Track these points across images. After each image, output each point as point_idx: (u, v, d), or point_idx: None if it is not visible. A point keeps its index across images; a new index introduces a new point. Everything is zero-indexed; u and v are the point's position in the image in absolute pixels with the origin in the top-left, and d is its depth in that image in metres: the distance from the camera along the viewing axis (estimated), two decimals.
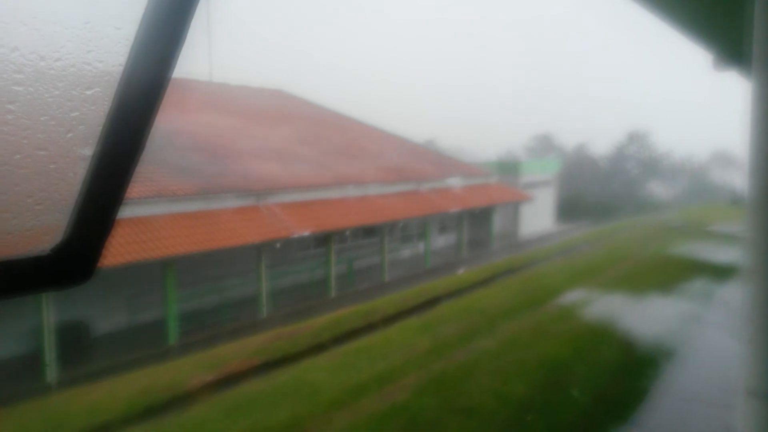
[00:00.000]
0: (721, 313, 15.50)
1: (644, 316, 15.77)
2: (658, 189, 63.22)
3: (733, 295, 16.88)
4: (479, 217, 32.01)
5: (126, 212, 15.25)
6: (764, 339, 1.52)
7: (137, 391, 11.32)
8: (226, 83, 30.55)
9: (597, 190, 54.29)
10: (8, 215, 0.73)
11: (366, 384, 11.03)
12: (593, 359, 12.27)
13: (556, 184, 43.49)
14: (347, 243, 25.28)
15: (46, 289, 0.77)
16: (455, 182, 30.46)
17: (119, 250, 14.49)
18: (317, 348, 13.67)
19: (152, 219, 16.43)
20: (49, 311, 14.16)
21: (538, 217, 39.07)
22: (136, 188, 15.81)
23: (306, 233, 20.08)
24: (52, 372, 13.91)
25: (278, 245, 19.70)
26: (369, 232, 26.02)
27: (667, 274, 20.88)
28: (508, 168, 38.01)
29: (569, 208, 45.21)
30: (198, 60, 29.14)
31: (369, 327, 15.39)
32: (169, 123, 19.62)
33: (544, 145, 67.20)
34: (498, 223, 34.40)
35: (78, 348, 14.98)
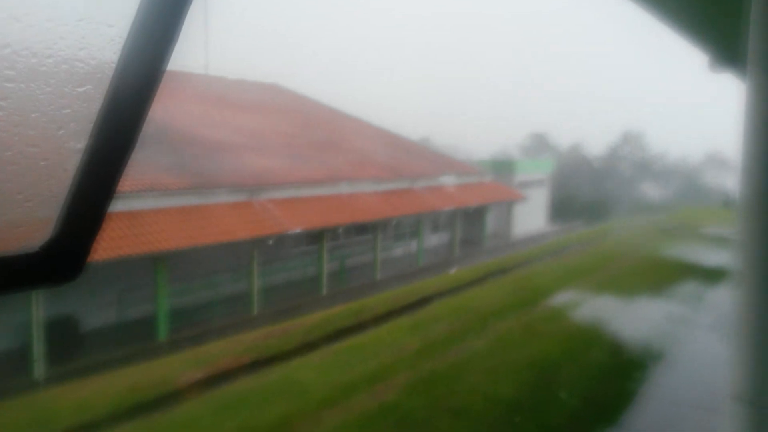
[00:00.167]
0: (710, 316, 15.59)
1: (634, 318, 15.84)
2: (652, 190, 63.48)
3: (723, 298, 16.99)
4: (472, 216, 32.05)
5: (117, 206, 15.18)
6: (753, 344, 1.52)
7: (126, 388, 11.27)
8: (223, 77, 30.43)
9: (590, 191, 54.47)
10: None
11: (356, 383, 11.04)
12: (583, 360, 12.33)
13: (549, 184, 43.59)
14: (340, 240, 25.25)
15: (34, 287, 0.76)
16: (449, 180, 30.48)
17: (110, 244, 14.42)
18: (308, 346, 13.66)
19: (143, 213, 16.36)
20: (38, 306, 14.06)
21: (532, 217, 39.15)
22: (127, 182, 15.73)
23: (298, 230, 20.05)
24: (40, 368, 13.81)
25: (270, 242, 19.65)
26: (362, 229, 26.00)
27: (658, 276, 20.99)
28: (502, 167, 38.06)
29: (562, 208, 45.33)
30: (194, 53, 29.04)
31: (360, 325, 15.39)
32: (162, 116, 19.55)
33: (539, 144, 67.32)
34: (491, 222, 34.46)
35: (67, 343, 14.88)
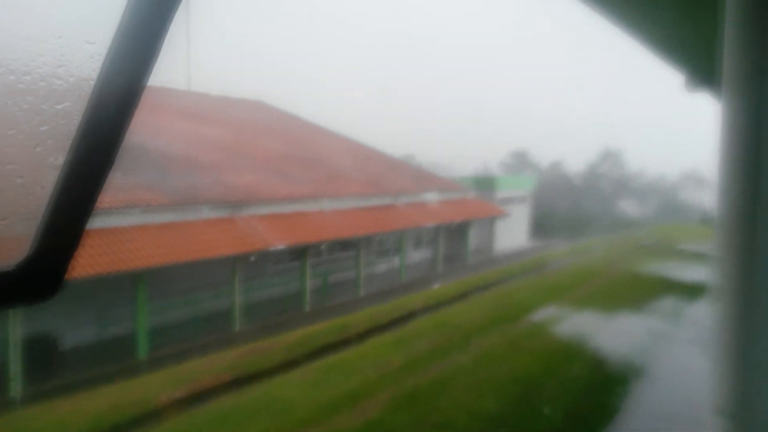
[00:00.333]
0: (690, 331, 15.73)
1: (615, 333, 15.94)
2: (630, 207, 64.19)
3: (702, 313, 17.16)
4: (455, 232, 32.14)
5: (97, 223, 15.00)
6: (733, 358, 1.54)
7: (105, 407, 11.07)
8: (206, 93, 30.36)
9: (571, 207, 54.95)
10: None
11: (339, 400, 10.95)
12: (565, 375, 12.35)
13: (531, 201, 43.94)
14: (323, 256, 25.15)
15: (11, 306, 0.75)
16: (432, 197, 30.59)
17: (89, 261, 14.22)
18: (290, 363, 13.55)
19: (124, 230, 16.18)
20: (16, 323, 13.80)
21: (513, 233, 39.37)
22: (107, 198, 15.56)
23: (281, 246, 19.95)
24: (17, 386, 13.52)
25: (253, 258, 19.52)
26: (345, 245, 25.93)
27: (638, 292, 21.17)
28: (484, 184, 38.32)
29: (544, 225, 45.67)
30: (177, 69, 28.96)
31: (343, 342, 15.30)
32: (144, 132, 19.43)
33: (520, 161, 67.91)
34: (473, 238, 34.58)
35: (45, 362, 14.60)
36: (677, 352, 14.06)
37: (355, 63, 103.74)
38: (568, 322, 16.94)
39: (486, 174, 49.64)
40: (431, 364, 13.06)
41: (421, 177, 33.20)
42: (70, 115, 0.74)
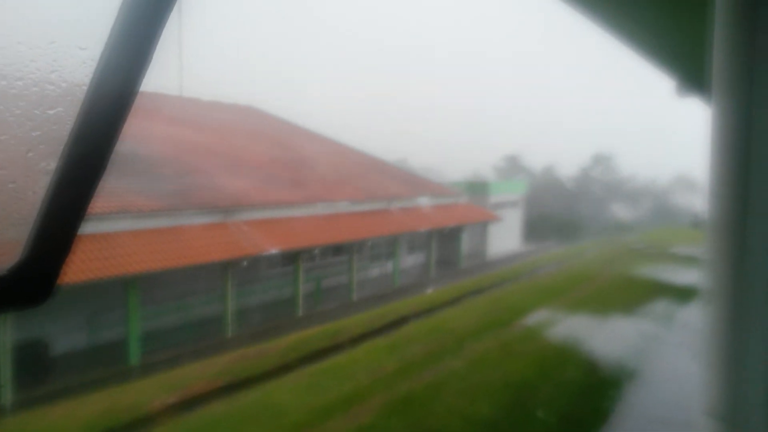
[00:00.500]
0: (681, 334, 15.80)
1: (608, 337, 15.98)
2: (622, 211, 64.50)
3: (694, 316, 17.24)
4: (448, 237, 32.18)
5: (88, 228, 14.92)
6: (724, 360, 1.55)
7: (96, 413, 10.99)
8: (197, 98, 30.32)
9: (563, 211, 55.14)
10: None
11: (332, 405, 10.92)
12: (558, 379, 12.37)
13: (523, 205, 44.06)
14: (316, 261, 25.12)
15: (3, 311, 0.75)
16: (424, 202, 30.63)
17: (81, 266, 14.15)
18: (283, 369, 13.50)
19: (115, 235, 16.11)
20: (6, 329, 13.70)
21: (506, 237, 39.46)
22: (99, 203, 15.49)
23: (274, 251, 19.91)
24: (7, 393, 13.41)
25: (245, 263, 19.47)
26: (338, 250, 25.92)
27: (630, 295, 21.24)
28: (476, 188, 38.39)
29: (536, 229, 45.81)
30: (168, 74, 28.90)
31: (336, 347, 15.27)
32: (135, 137, 19.36)
33: (512, 166, 68.12)
34: (466, 242, 34.62)
35: (36, 368, 14.50)
36: (669, 355, 14.11)
37: (348, 68, 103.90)
38: (561, 325, 16.98)
39: (478, 178, 49.76)
40: (425, 369, 13.05)
41: (413, 182, 33.23)
42: (62, 121, 0.74)
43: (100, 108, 0.74)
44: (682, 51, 3.37)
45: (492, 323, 17.10)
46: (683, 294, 20.43)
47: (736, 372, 1.49)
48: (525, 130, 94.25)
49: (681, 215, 57.64)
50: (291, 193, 23.41)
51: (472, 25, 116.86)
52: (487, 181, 45.85)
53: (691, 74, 3.98)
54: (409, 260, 31.34)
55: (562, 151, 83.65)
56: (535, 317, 18.04)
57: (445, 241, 32.16)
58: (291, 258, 22.08)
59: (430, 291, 24.96)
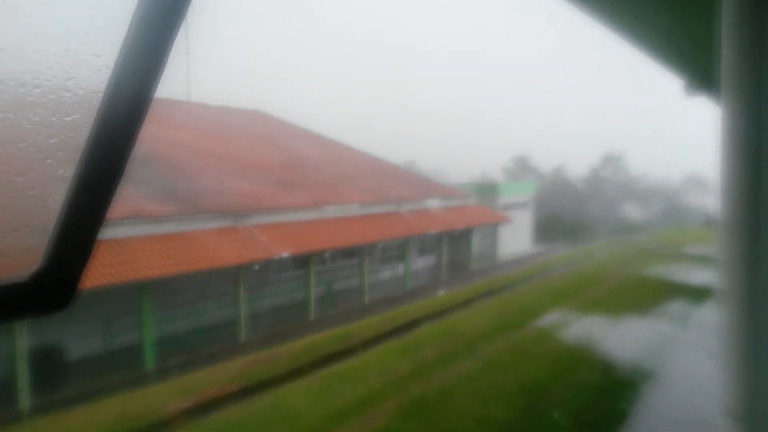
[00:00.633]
0: (697, 335, 15.65)
1: (622, 338, 15.87)
2: (633, 211, 64.07)
3: (710, 316, 17.09)
4: (458, 239, 32.11)
5: (102, 234, 15.03)
6: (741, 360, 1.54)
7: (112, 418, 11.06)
8: (205, 103, 30.47)
9: (573, 212, 54.87)
10: None
11: (346, 408, 10.92)
12: (572, 381, 12.29)
13: (533, 206, 43.89)
14: (326, 265, 25.14)
15: (25, 317, 0.76)
16: (434, 204, 30.60)
17: (94, 272, 14.24)
18: (296, 372, 13.52)
19: (129, 240, 16.21)
20: (23, 335, 13.82)
21: (516, 239, 39.32)
22: (112, 209, 15.58)
23: (285, 255, 19.95)
24: (25, 398, 13.53)
25: (257, 267, 19.54)
26: (348, 253, 25.92)
27: (643, 295, 21.09)
28: (486, 190, 38.30)
29: (547, 230, 45.60)
30: (176, 79, 29.04)
31: (349, 350, 15.26)
32: (146, 143, 19.45)
33: (522, 167, 67.89)
34: (477, 244, 34.54)
35: (52, 373, 14.62)
36: (685, 356, 13.99)
37: (355, 71, 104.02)
38: (574, 327, 16.88)
39: (487, 180, 49.66)
40: (437, 372, 13.02)
41: (422, 184, 33.22)
42: (79, 128, 0.75)
43: (116, 114, 0.75)
44: (690, 51, 3.36)
45: (504, 325, 17.03)
46: (697, 294, 20.25)
47: (754, 372, 1.48)
48: (534, 131, 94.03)
49: (692, 215, 57.19)
50: (301, 197, 23.47)
51: (482, 26, 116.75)
52: (496, 182, 45.73)
53: (700, 74, 3.97)
54: (420, 262, 31.29)
55: (571, 152, 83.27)
56: (548, 319, 17.95)
57: (455, 243, 32.09)
58: (302, 261, 22.12)
59: (441, 293, 24.91)
